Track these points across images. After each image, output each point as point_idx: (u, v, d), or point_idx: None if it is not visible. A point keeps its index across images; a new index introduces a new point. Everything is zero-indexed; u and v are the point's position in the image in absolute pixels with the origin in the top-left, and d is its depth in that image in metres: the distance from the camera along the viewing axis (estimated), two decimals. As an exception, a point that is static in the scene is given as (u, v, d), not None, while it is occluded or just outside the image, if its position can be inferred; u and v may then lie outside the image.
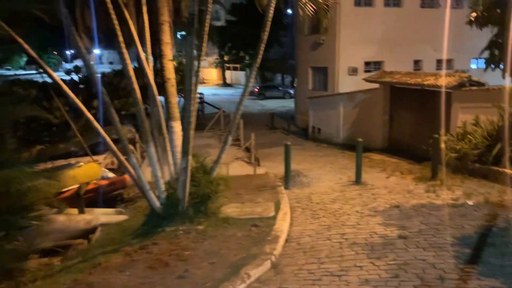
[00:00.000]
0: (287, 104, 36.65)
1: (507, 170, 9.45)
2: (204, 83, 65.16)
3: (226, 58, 55.97)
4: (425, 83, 13.17)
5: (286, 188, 10.19)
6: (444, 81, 12.57)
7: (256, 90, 44.73)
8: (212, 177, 7.52)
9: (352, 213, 7.70)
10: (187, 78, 7.02)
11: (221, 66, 59.19)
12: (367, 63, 22.17)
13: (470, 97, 12.00)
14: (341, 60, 21.69)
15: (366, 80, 16.46)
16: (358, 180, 10.32)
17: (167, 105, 9.46)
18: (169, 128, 10.38)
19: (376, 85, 16.15)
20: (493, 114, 10.59)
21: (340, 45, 21.44)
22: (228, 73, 61.35)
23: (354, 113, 17.53)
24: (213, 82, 64.59)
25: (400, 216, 7.25)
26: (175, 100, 10.32)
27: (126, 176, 12.11)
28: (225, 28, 48.09)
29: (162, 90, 9.16)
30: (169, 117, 10.28)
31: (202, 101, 31.44)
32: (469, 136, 10.99)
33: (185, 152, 7.13)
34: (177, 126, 10.21)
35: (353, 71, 21.68)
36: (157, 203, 7.02)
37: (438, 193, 8.78)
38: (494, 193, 8.68)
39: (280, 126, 25.36)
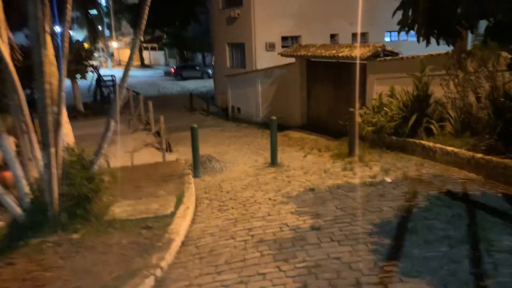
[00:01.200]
0: (208, 84, 35.30)
1: (424, 142, 9.09)
2: (121, 64, 61.66)
3: (142, 38, 52.96)
4: (340, 54, 12.60)
5: (195, 176, 9.11)
6: (358, 52, 12.06)
7: (172, 70, 43.01)
8: (92, 172, 6.20)
9: (263, 201, 6.80)
10: (35, 48, 5.58)
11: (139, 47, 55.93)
12: (284, 38, 21.47)
13: (385, 68, 11.59)
14: (258, 35, 20.78)
15: (282, 54, 15.67)
16: (273, 162, 9.49)
17: (45, 88, 7.90)
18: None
19: (293, 60, 15.43)
20: (409, 84, 10.21)
21: (255, 20, 20.48)
22: (146, 54, 58.37)
23: (272, 90, 16.75)
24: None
25: (315, 201, 6.47)
26: (56, 81, 8.75)
27: (6, 174, 10.34)
28: (137, 5, 45.22)
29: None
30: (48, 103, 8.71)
31: (113, 84, 29.16)
32: (385, 108, 10.55)
33: (45, 144, 5.74)
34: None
35: (271, 47, 20.89)
36: (17, 210, 5.60)
37: (355, 171, 8.17)
38: (412, 167, 8.24)
39: (200, 107, 24.10)
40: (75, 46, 18.33)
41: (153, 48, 57.62)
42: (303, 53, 14.29)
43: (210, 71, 41.29)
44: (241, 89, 19.05)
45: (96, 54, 66.88)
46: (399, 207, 5.82)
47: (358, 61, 11.81)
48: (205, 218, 6.37)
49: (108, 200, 6.53)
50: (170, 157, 12.12)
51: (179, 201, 6.94)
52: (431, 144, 8.86)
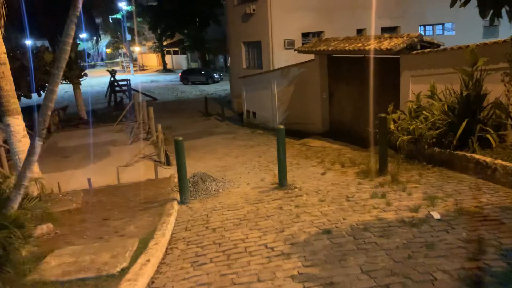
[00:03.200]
0: (227, 88, 33.57)
1: (478, 156, 6.91)
2: (144, 69, 60.93)
3: (165, 43, 51.87)
4: (367, 48, 10.45)
5: (182, 202, 7.20)
6: (389, 43, 9.90)
7: (180, 75, 41.76)
8: (10, 212, 4.36)
9: (257, 250, 4.80)
10: None
11: (160, 50, 54.96)
12: (305, 35, 19.39)
13: (423, 62, 9.39)
14: (275, 32, 18.78)
15: (298, 50, 13.62)
16: (282, 183, 7.46)
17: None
18: (6, 126, 7.11)
19: (312, 57, 13.36)
20: (454, 81, 8.02)
21: (272, 15, 18.50)
22: (168, 58, 57.26)
23: (289, 92, 14.72)
24: (153, 68, 60.47)
25: (331, 254, 4.43)
26: (11, 86, 7.04)
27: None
28: (157, 7, 44.05)
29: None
30: (2, 111, 7.02)
31: (127, 89, 27.80)
32: (424, 112, 8.42)
33: None
34: (16, 123, 6.97)
35: (290, 45, 18.83)
36: None
37: (389, 198, 6.07)
38: (466, 192, 6.08)
39: (217, 112, 22.32)
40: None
41: (175, 52, 56.47)
42: (323, 48, 12.21)
43: (216, 75, 39.68)
44: (256, 91, 17.10)
45: (119, 59, 66.72)
46: (460, 273, 3.71)
47: (389, 55, 9.67)
48: (169, 279, 4.40)
49: (32, 252, 4.67)
50: (165, 172, 10.30)
51: (141, 248, 5.04)
52: (488, 159, 6.68)
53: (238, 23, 21.15)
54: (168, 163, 11.44)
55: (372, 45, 10.47)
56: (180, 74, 42.00)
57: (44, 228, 6.21)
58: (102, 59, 72.62)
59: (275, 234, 5.19)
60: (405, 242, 4.48)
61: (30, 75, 12.86)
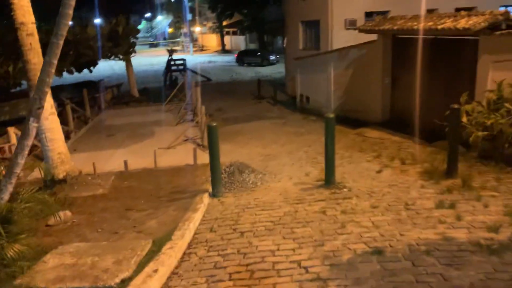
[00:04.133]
0: (283, 70, 32.47)
1: None
2: (203, 50, 61.00)
3: (225, 23, 51.34)
4: (439, 27, 9.00)
5: (213, 195, 6.41)
6: (466, 22, 8.42)
7: (236, 56, 40.93)
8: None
9: (287, 269, 3.89)
10: None
11: (220, 31, 54.57)
12: (368, 14, 17.76)
13: (509, 45, 7.87)
14: (336, 10, 17.37)
15: (360, 29, 12.28)
16: (328, 181, 6.44)
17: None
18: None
19: (375, 37, 12.00)
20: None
21: (333, -9, 17.13)
22: (227, 39, 56.79)
23: (347, 75, 13.43)
24: (213, 49, 60.35)
25: (380, 286, 3.42)
26: (39, 59, 6.52)
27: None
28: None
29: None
30: (29, 86, 6.53)
31: (184, 69, 27.47)
32: (506, 104, 7.02)
33: None
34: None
35: (351, 24, 17.33)
36: None
37: (459, 210, 4.90)
38: (562, 208, 4.77)
39: (270, 95, 21.39)
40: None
41: (234, 33, 55.86)
42: (387, 27, 10.82)
43: (272, 57, 38.35)
44: (311, 74, 15.93)
45: (180, 39, 67.33)
46: None
47: (467, 36, 8.22)
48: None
49: (24, 250, 4.04)
50: (206, 157, 9.55)
51: (154, 251, 4.29)
52: None
53: (296, 1, 19.93)
54: (210, 147, 10.71)
55: (446, 24, 9.01)
56: (236, 55, 41.37)
57: (61, 215, 5.67)
58: (164, 39, 73.71)
59: (313, 248, 4.24)
60: (483, 278, 3.37)
61: (73, 50, 12.59)
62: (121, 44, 15.51)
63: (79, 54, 12.99)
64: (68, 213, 5.76)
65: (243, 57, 39.86)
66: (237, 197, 6.33)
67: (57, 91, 16.19)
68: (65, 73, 14.52)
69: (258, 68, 36.74)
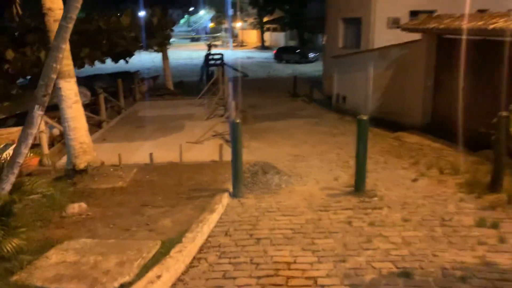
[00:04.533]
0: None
1: None
2: (243, 45, 60.93)
3: (265, 19, 51.00)
4: (490, 27, 8.28)
5: (234, 195, 6.09)
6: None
7: (274, 52, 40.39)
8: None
9: (302, 287, 3.49)
10: None
11: (260, 27, 54.28)
12: (413, 13, 16.90)
13: None
14: (379, 8, 16.68)
15: (403, 27, 11.62)
16: (358, 187, 5.98)
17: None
18: (57, 90, 6.52)
19: (418, 36, 11.32)
20: None
21: (377, -13, 16.44)
22: (267, 35, 56.41)
23: (387, 76, 12.78)
24: (252, 45, 60.17)
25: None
26: (66, 45, 6.38)
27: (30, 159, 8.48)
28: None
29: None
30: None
31: (221, 63, 27.38)
32: None
33: None
34: (68, 87, 6.35)
35: (394, 23, 16.58)
36: None
37: (503, 231, 4.35)
38: None
39: (305, 93, 20.89)
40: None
41: (274, 29, 55.43)
42: (433, 25, 10.13)
43: (311, 55, 37.54)
44: (349, 73, 15.33)
45: (220, 34, 67.58)
46: None
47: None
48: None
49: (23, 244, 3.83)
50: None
51: (161, 254, 4.01)
52: None
53: (338, -3, 19.33)
54: (239, 144, 10.39)
55: (498, 24, 8.28)
56: (274, 51, 40.96)
57: (76, 207, 5.52)
58: (206, 33, 74.21)
59: (333, 263, 3.83)
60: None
61: (105, 39, 12.53)
62: (155, 35, 15.41)
63: (112, 43, 12.96)
64: (83, 205, 5.59)
65: (282, 54, 39.38)
66: (259, 199, 5.98)
67: (93, 80, 16.38)
68: (102, 64, 14.59)
69: (296, 65, 36.20)
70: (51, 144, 10.27)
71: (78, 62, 12.18)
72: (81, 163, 6.70)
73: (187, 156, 9.07)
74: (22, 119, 10.57)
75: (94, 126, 12.89)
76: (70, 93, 6.50)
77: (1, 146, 8.78)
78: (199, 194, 6.21)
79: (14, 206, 3.77)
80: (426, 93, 11.09)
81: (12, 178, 3.90)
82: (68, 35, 4.09)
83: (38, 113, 4.01)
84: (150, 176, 7.39)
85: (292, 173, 7.24)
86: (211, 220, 5.00)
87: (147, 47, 16.02)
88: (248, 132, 12.22)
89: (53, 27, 6.23)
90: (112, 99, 14.19)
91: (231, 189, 6.23)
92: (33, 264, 3.78)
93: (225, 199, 5.87)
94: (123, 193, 6.39)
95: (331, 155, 9.18)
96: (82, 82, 15.28)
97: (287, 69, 33.64)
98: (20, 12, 10.83)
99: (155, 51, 17.29)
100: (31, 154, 8.82)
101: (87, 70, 17.35)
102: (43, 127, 8.80)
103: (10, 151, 8.77)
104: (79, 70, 15.64)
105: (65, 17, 3.97)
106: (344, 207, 5.36)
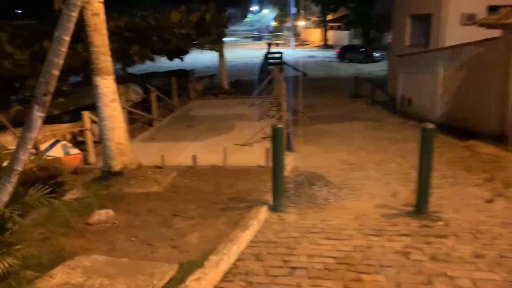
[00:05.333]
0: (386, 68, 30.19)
1: None
2: (305, 44, 59.95)
3: (329, 17, 49.73)
4: None
5: (274, 209, 5.42)
6: None
7: (337, 51, 38.92)
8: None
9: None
10: None
11: (323, 25, 53.05)
12: (492, 8, 15.25)
13: None
14: (452, 3, 15.18)
15: (480, 23, 10.32)
16: (420, 208, 5.07)
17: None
18: (94, 87, 6.22)
19: (496, 34, 10.00)
20: None
21: (450, -19, 15.00)
22: (330, 34, 55.04)
23: (458, 77, 11.50)
24: (315, 44, 59.01)
25: None
26: (103, 41, 6.08)
27: (75, 157, 8.36)
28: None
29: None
30: (91, 70, 6.12)
31: (279, 62, 26.81)
32: None
33: None
34: (105, 84, 6.02)
35: (469, 19, 15.03)
36: None
37: None
38: None
39: (367, 94, 19.74)
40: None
41: (338, 28, 53.92)
42: (517, 20, 8.83)
43: (376, 54, 35.67)
44: (415, 74, 14.08)
45: (282, 33, 67.02)
46: None
47: None
48: None
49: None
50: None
51: (176, 280, 3.44)
52: None
53: (407, -8, 17.98)
54: (289, 148, 9.70)
55: None
56: (337, 50, 39.65)
57: (103, 214, 5.13)
58: (269, 32, 73.99)
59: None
60: None
61: (156, 36, 12.29)
62: (208, 33, 15.03)
63: (163, 40, 12.74)
64: (110, 212, 5.19)
65: (345, 53, 38.01)
66: (301, 215, 5.26)
67: (148, 78, 16.41)
68: (160, 62, 14.52)
69: (359, 65, 34.77)
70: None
71: (127, 59, 12.06)
72: (116, 165, 6.36)
73: (232, 159, 8.54)
74: (76, 115, 10.67)
75: (145, 124, 12.80)
76: (108, 91, 6.17)
77: (51, 142, 8.73)
78: (235, 205, 5.61)
79: (13, 218, 3.37)
80: (504, 98, 9.76)
81: (9, 188, 3.52)
82: (72, 25, 3.66)
83: (38, 114, 3.60)
84: (189, 181, 6.92)
85: (343, 185, 6.44)
86: (243, 239, 4.37)
87: (201, 45, 15.67)
88: (302, 134, 11.50)
89: (91, 21, 5.94)
90: (165, 98, 14.02)
91: (271, 201, 5.57)
92: (33, 284, 3.36)
93: (263, 213, 5.21)
94: (156, 199, 5.95)
95: (391, 165, 8.24)
96: (137, 79, 15.34)
97: (349, 69, 32.38)
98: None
99: (210, 49, 16.97)
100: (76, 152, 8.76)
101: (143, 67, 17.44)
102: (89, 124, 8.66)
103: (59, 147, 8.77)
104: (133, 68, 15.69)
105: (68, 4, 3.54)
106: (401, 233, 4.51)
